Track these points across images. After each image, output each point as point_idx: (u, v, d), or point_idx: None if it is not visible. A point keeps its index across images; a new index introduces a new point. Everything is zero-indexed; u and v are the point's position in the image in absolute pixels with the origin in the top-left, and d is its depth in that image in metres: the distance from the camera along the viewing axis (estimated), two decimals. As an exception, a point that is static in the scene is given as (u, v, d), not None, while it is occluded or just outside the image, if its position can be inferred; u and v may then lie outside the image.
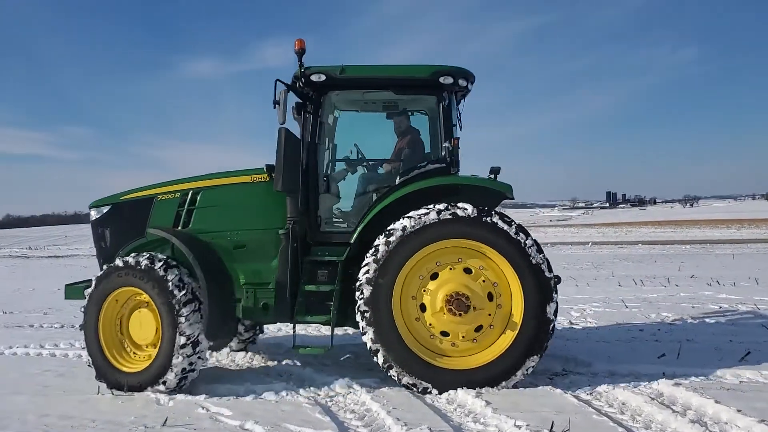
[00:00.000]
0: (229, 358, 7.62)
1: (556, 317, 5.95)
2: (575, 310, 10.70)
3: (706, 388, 5.73)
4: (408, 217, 5.92)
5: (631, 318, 9.81)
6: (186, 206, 6.67)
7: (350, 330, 6.88)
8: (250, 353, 7.72)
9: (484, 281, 5.96)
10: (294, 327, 6.38)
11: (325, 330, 7.73)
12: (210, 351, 7.50)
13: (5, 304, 13.17)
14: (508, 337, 5.94)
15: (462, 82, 6.41)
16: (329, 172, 6.70)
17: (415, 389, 5.87)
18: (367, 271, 5.88)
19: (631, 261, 21.30)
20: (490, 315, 5.97)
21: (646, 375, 6.36)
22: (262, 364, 7.21)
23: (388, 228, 5.94)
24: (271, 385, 6.16)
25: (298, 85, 6.38)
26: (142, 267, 6.04)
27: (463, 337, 5.94)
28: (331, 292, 6.10)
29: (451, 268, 5.98)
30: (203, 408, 5.50)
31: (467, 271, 5.98)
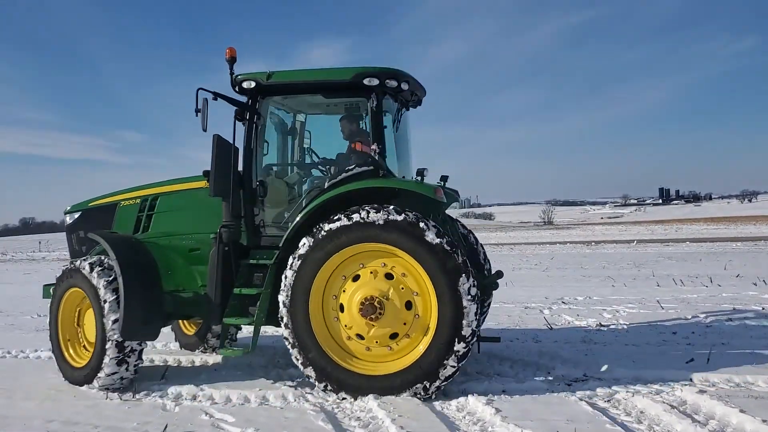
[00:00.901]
0: (245, 361, 7.56)
1: (474, 325, 5.64)
2: (608, 311, 10.35)
3: (733, 396, 5.41)
4: (328, 220, 5.87)
5: (666, 320, 9.43)
6: (146, 211, 7.03)
7: None
8: (266, 357, 7.65)
9: (403, 288, 5.80)
10: (257, 329, 6.22)
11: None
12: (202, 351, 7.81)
13: (39, 308, 13.44)
14: (422, 347, 5.74)
15: (391, 83, 6.21)
16: (267, 176, 6.67)
17: (330, 391, 5.83)
18: (287, 273, 5.88)
19: (675, 260, 20.61)
20: (405, 324, 5.80)
21: (671, 381, 6.06)
22: (279, 369, 7.11)
23: (312, 231, 5.92)
24: (281, 390, 6.07)
25: (225, 93, 6.43)
26: (83, 270, 6.39)
27: (377, 342, 5.83)
28: (258, 295, 6.11)
29: (373, 272, 5.87)
30: (207, 414, 5.45)
31: (389, 276, 5.86)
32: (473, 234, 7.76)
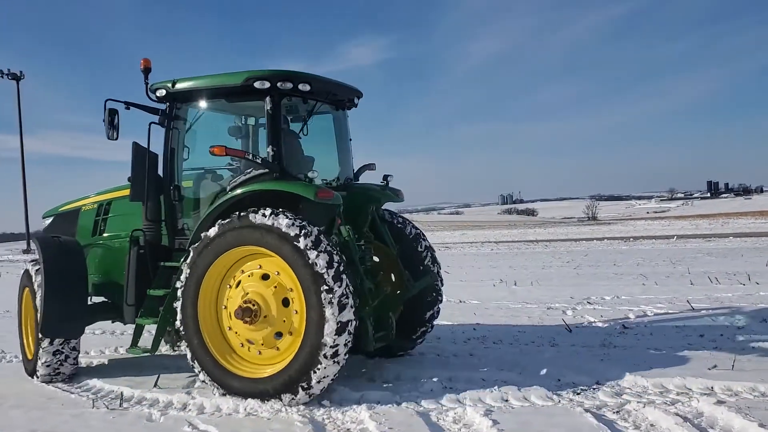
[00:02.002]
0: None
1: (342, 334, 5.41)
2: (635, 312, 9.84)
3: (754, 408, 4.97)
4: (208, 227, 5.96)
5: (694, 321, 8.90)
6: (101, 215, 7.41)
7: None
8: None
9: (277, 287, 5.71)
10: (159, 330, 6.42)
11: None
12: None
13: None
14: (295, 346, 5.60)
15: (284, 85, 6.13)
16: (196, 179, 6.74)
17: (224, 395, 5.81)
18: (179, 280, 5.99)
19: (715, 256, 19.74)
20: (285, 321, 5.69)
21: (690, 390, 5.67)
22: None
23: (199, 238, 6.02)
24: (272, 401, 5.75)
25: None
26: (30, 271, 7.03)
27: (262, 344, 5.76)
28: (165, 296, 6.25)
29: (250, 275, 5.83)
30: (191, 425, 5.22)
31: (265, 277, 5.79)
32: (421, 236, 7.46)
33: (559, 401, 5.51)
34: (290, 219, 5.58)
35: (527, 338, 8.24)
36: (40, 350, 6.73)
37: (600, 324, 9.06)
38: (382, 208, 7.41)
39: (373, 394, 5.86)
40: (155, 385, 6.40)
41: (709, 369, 6.20)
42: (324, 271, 5.39)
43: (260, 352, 5.81)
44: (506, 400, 5.60)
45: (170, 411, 5.66)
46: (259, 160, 6.17)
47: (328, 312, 5.36)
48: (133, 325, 6.72)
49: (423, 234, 7.48)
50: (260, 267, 5.81)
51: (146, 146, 6.58)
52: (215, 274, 5.92)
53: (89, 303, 7.15)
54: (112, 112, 6.47)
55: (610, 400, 5.50)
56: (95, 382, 6.76)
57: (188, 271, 5.91)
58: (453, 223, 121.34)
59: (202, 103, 6.69)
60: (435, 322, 7.54)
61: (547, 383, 6.02)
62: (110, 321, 7.38)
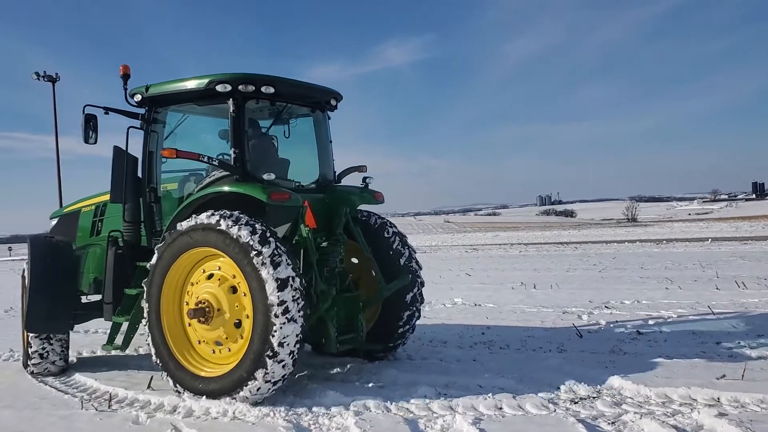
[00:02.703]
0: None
1: (285, 283, 5.38)
2: (653, 317, 9.52)
3: (757, 421, 4.71)
4: (168, 229, 6.10)
5: (713, 327, 8.55)
6: (98, 217, 7.58)
7: None
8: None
9: (220, 279, 5.77)
10: (130, 327, 6.71)
11: None
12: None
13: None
14: (242, 349, 5.62)
15: (246, 88, 6.15)
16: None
17: (178, 394, 5.87)
18: (147, 280, 6.08)
19: (748, 259, 19.06)
20: (237, 306, 5.72)
21: (694, 400, 5.39)
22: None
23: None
24: (260, 403, 5.69)
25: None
26: (24, 269, 7.28)
27: (226, 338, 5.77)
28: (138, 295, 6.36)
29: (209, 278, 5.87)
30: (175, 428, 5.19)
31: (209, 277, 5.88)
32: (399, 237, 7.31)
33: (555, 410, 5.30)
34: (223, 214, 5.65)
35: (535, 344, 8.02)
36: (30, 345, 7.10)
37: (614, 329, 8.78)
38: (364, 210, 7.42)
39: (366, 399, 5.69)
40: (149, 386, 6.37)
41: (718, 378, 5.92)
42: (249, 238, 5.42)
43: (229, 349, 5.81)
44: (500, 408, 5.42)
45: (158, 413, 5.61)
46: (216, 163, 6.21)
47: (264, 273, 5.33)
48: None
49: (402, 235, 7.37)
50: (219, 268, 5.85)
51: (125, 149, 6.71)
52: (176, 276, 6.00)
53: (84, 301, 7.36)
54: (90, 118, 6.66)
55: (607, 410, 5.28)
56: (92, 383, 6.80)
57: (151, 272, 6.03)
58: (487, 224, 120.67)
59: (176, 107, 6.82)
60: (446, 324, 7.40)
61: (546, 391, 5.83)
62: None
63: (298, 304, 5.45)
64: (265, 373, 5.41)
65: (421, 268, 7.39)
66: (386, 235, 7.23)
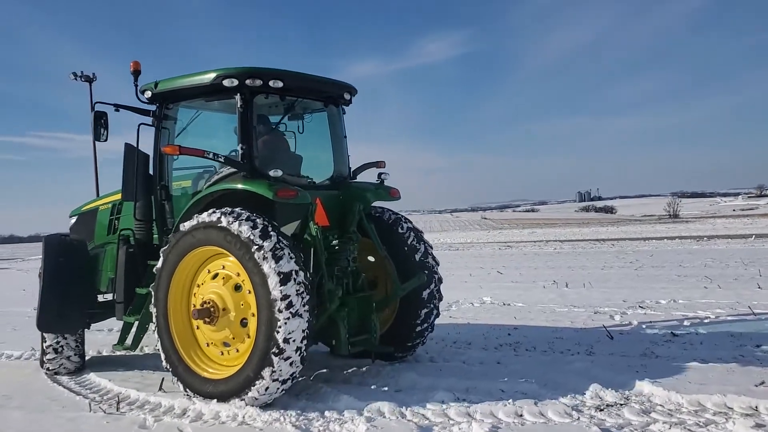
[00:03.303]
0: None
1: (288, 277, 5.22)
2: (689, 318, 9.10)
3: (798, 433, 4.35)
4: (175, 228, 6.02)
5: (753, 329, 8.10)
6: (115, 215, 7.48)
7: None
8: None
9: (237, 286, 5.61)
10: (139, 327, 6.67)
11: None
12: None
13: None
14: (249, 348, 5.46)
15: (254, 83, 6.00)
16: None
17: (189, 397, 5.76)
18: (154, 279, 6.01)
19: (795, 257, 18.33)
20: (243, 305, 5.58)
21: (730, 409, 5.06)
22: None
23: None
24: (271, 407, 5.53)
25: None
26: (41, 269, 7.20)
27: (233, 338, 5.63)
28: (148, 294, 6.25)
29: (214, 277, 5.76)
30: (182, 432, 5.05)
31: (214, 277, 5.77)
32: (415, 234, 7.05)
33: (579, 418, 5.02)
34: (224, 212, 5.54)
35: (563, 345, 7.69)
36: (45, 344, 7.14)
37: (647, 331, 8.40)
38: (380, 207, 7.23)
39: (380, 404, 5.47)
40: (160, 388, 6.25)
41: (756, 386, 5.54)
42: (249, 233, 5.30)
43: (222, 353, 5.74)
44: (520, 415, 5.17)
45: (166, 417, 5.49)
46: (222, 159, 6.06)
47: (266, 267, 5.20)
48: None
49: (417, 231, 7.11)
50: (223, 267, 5.72)
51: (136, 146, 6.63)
52: (183, 277, 5.89)
53: (101, 300, 7.31)
54: (100, 115, 6.60)
55: (635, 419, 4.98)
56: (105, 383, 6.74)
57: (157, 275, 5.94)
58: (525, 220, 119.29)
59: (185, 103, 6.68)
60: (472, 324, 7.13)
61: (571, 397, 5.54)
62: None
63: (302, 298, 5.27)
64: (273, 371, 5.24)
65: (438, 264, 7.12)
66: (401, 231, 7.01)
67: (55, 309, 6.81)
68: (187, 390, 5.73)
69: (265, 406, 5.46)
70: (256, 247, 5.25)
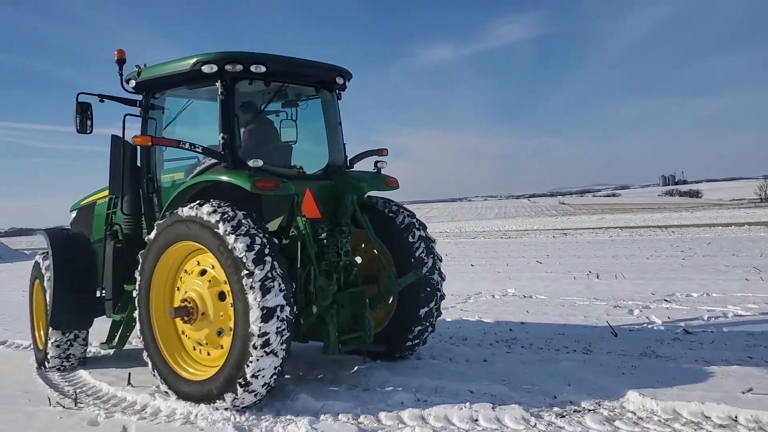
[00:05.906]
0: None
1: (271, 314, 4.94)
2: (716, 313, 8.45)
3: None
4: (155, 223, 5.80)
5: (779, 326, 7.46)
6: (112, 209, 6.95)
7: None
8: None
9: (211, 281, 5.43)
10: (125, 325, 6.58)
11: None
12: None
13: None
14: (222, 357, 5.24)
15: (234, 68, 5.74)
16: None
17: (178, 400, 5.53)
18: (136, 274, 5.85)
19: None
20: (222, 316, 5.37)
21: (706, 418, 4.65)
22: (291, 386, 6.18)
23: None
24: (218, 401, 5.34)
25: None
26: (39, 264, 7.21)
27: (207, 343, 5.49)
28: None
29: (188, 272, 5.62)
30: (125, 430, 5.00)
31: (202, 272, 5.55)
32: (415, 226, 6.63)
33: (535, 425, 4.70)
34: (212, 207, 5.27)
35: (561, 343, 7.28)
36: (50, 342, 6.94)
37: (659, 327, 7.85)
38: (383, 198, 6.87)
39: (338, 404, 5.27)
40: (128, 383, 6.25)
41: (743, 393, 5.04)
42: (243, 254, 4.98)
43: (209, 353, 5.52)
44: (475, 420, 4.88)
45: (117, 414, 5.41)
46: (200, 150, 5.83)
47: (251, 298, 4.92)
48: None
49: (418, 224, 6.69)
50: (198, 263, 5.55)
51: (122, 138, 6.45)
52: (162, 274, 5.71)
53: (99, 295, 7.11)
54: (85, 106, 6.41)
55: (596, 427, 4.62)
56: (87, 378, 6.76)
57: (138, 276, 5.78)
58: (603, 205, 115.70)
59: (171, 92, 6.46)
60: (479, 318, 6.75)
61: (538, 401, 5.22)
62: None
63: (281, 336, 5.01)
64: (234, 398, 5.12)
65: (440, 260, 6.75)
66: (400, 224, 6.61)
67: (69, 306, 6.71)
68: (176, 394, 5.58)
69: (213, 401, 5.30)
70: (246, 272, 4.95)
